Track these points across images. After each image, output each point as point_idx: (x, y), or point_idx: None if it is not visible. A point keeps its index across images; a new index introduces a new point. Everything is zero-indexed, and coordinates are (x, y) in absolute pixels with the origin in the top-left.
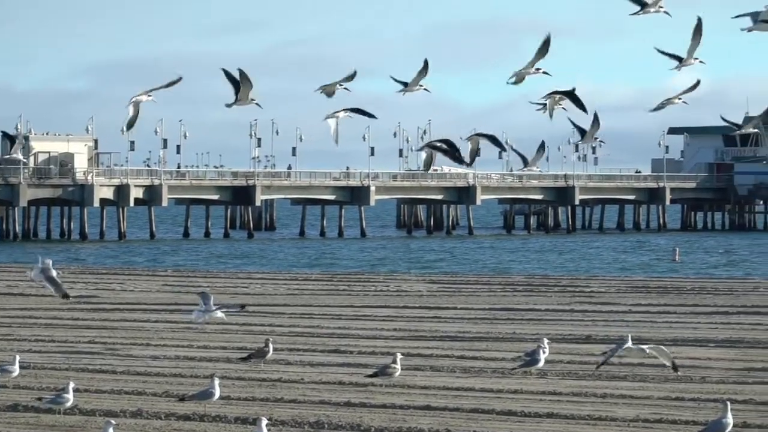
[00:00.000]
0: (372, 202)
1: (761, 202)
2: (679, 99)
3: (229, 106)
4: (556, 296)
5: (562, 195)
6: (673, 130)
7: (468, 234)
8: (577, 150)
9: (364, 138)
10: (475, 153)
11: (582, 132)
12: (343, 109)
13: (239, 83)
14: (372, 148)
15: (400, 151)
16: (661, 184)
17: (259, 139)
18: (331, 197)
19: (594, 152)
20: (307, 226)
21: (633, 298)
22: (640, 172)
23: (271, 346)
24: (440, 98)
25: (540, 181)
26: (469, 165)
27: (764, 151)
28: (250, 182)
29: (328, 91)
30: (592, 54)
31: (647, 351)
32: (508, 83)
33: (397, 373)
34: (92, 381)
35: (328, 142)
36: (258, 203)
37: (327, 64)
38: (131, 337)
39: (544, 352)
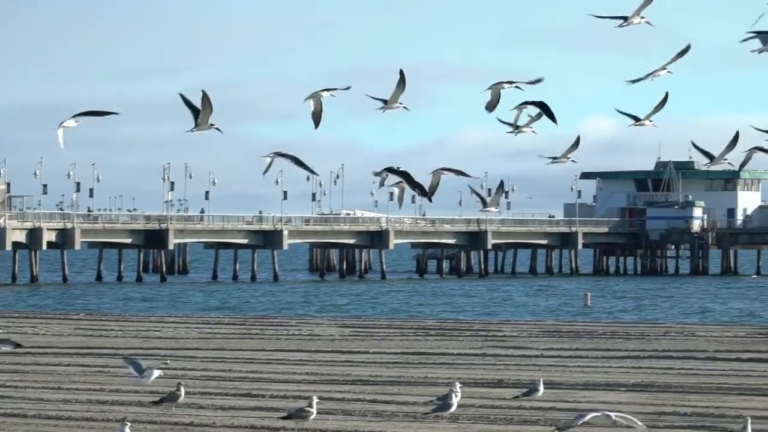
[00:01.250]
0: (285, 246)
1: (672, 247)
2: (665, 69)
3: (189, 131)
4: (468, 340)
5: (474, 239)
6: (585, 175)
7: (380, 278)
8: (489, 194)
9: (277, 182)
10: (435, 188)
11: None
12: (325, 89)
13: (198, 109)
14: (285, 192)
15: (313, 195)
16: (574, 229)
17: (173, 183)
18: (244, 241)
19: (507, 197)
20: (219, 269)
21: (545, 342)
22: (553, 216)
23: (183, 389)
24: (352, 142)
25: (452, 226)
26: (430, 200)
27: (676, 196)
28: (163, 226)
29: (316, 104)
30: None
31: (614, 418)
32: (482, 92)
33: (312, 417)
34: (3, 425)
35: (241, 185)
36: (171, 247)
37: (240, 108)
38: (42, 381)
39: (456, 396)
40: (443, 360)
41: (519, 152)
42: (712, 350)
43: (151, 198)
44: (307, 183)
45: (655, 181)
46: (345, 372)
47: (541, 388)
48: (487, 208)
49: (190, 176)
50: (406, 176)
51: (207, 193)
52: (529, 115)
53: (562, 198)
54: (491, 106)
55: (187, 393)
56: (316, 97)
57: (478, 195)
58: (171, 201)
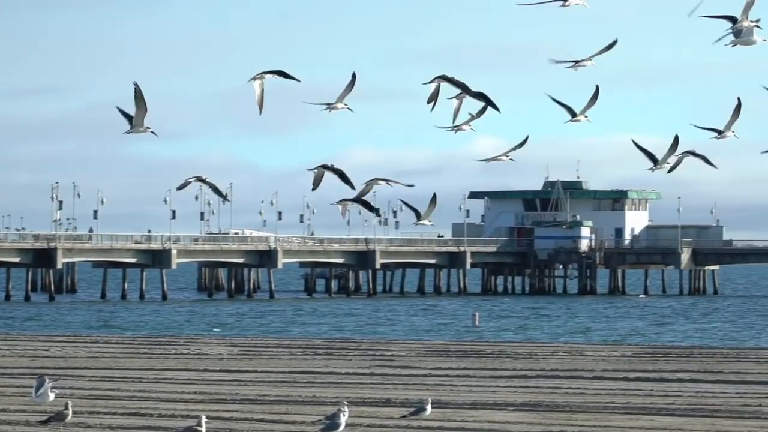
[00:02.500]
0: (173, 265)
1: (561, 267)
2: (591, 60)
3: (126, 133)
4: (356, 359)
5: (362, 259)
6: (473, 195)
7: (269, 297)
8: (378, 214)
9: (165, 201)
10: (364, 195)
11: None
12: (270, 71)
13: (131, 115)
14: (173, 212)
15: (202, 214)
16: (462, 249)
17: (61, 202)
18: (133, 260)
19: (395, 216)
20: (108, 288)
21: (433, 362)
22: (442, 236)
23: (71, 409)
24: (241, 161)
25: (341, 245)
26: (372, 209)
27: (564, 215)
28: (52, 245)
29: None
30: (392, 117)
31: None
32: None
33: None
34: None
35: (129, 205)
36: (59, 266)
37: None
38: None
39: (344, 416)
40: (331, 379)
41: (407, 171)
42: (600, 370)
43: (40, 217)
44: (195, 202)
45: (544, 200)
46: (233, 391)
47: (429, 407)
48: (421, 221)
49: (79, 195)
50: (340, 174)
51: (95, 212)
52: (469, 113)
53: (450, 217)
54: (431, 99)
55: (75, 412)
56: (258, 79)
57: (412, 208)
58: (59, 220)
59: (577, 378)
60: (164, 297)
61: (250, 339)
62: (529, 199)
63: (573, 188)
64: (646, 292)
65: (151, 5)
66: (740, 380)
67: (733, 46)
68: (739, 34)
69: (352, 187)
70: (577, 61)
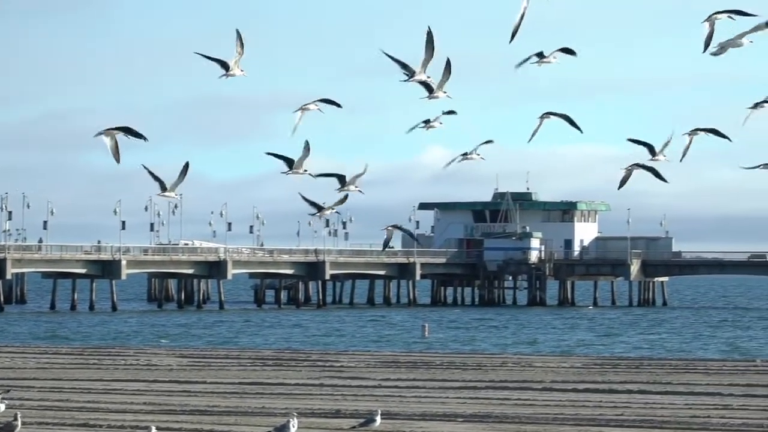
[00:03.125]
0: (123, 276)
1: (510, 278)
2: (555, 58)
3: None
4: (305, 370)
5: (312, 270)
6: (423, 206)
7: (219, 308)
8: (327, 225)
9: (115, 212)
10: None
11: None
12: (314, 102)
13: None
14: (123, 222)
15: (151, 225)
16: (411, 260)
17: (10, 213)
18: (82, 271)
19: (345, 227)
20: (58, 299)
21: (382, 373)
22: (392, 247)
23: (20, 419)
24: (191, 172)
25: (290, 256)
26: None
27: (513, 227)
28: (1, 255)
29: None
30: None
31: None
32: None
33: None
34: None
35: (79, 216)
36: (9, 276)
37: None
38: None
39: (293, 427)
40: (280, 390)
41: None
42: (549, 381)
43: None
44: (145, 213)
45: (493, 212)
46: (182, 402)
47: (378, 418)
48: (323, 213)
49: (28, 206)
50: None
51: (45, 222)
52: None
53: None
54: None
55: (24, 423)
56: (302, 110)
57: (311, 202)
58: (9, 230)
59: (526, 389)
60: (114, 308)
61: (200, 350)
62: (478, 211)
63: (522, 200)
64: (595, 304)
65: (103, 16)
66: (689, 391)
67: (719, 49)
68: (726, 46)
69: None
70: (540, 57)
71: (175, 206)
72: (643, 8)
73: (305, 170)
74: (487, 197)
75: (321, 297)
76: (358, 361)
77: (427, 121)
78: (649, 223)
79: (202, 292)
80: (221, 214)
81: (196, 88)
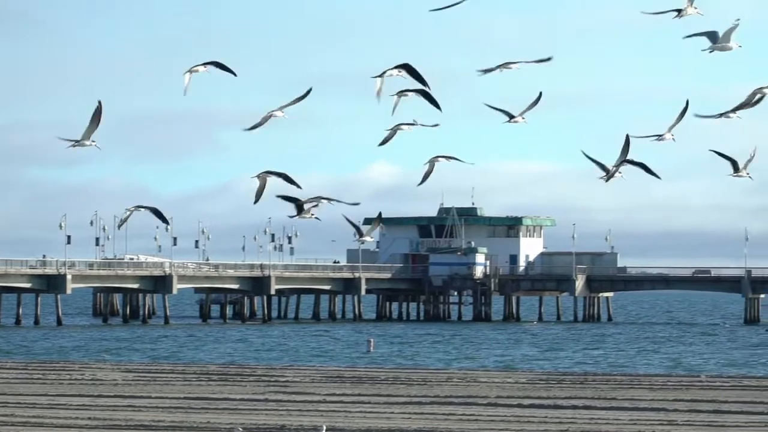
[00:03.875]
0: (68, 290)
1: (455, 293)
2: (517, 65)
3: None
4: (251, 385)
5: (258, 284)
6: (368, 221)
7: (164, 323)
8: (273, 240)
9: (60, 226)
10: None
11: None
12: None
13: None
14: (68, 237)
15: (97, 239)
16: (357, 275)
17: None
18: (27, 285)
19: (290, 242)
20: (2, 314)
21: (327, 388)
22: (338, 262)
23: None
24: (136, 186)
25: (236, 271)
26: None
27: (459, 242)
28: None
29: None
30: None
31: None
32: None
33: None
34: None
35: (24, 230)
36: None
37: (25, 152)
38: None
39: None
40: (225, 405)
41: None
42: (494, 396)
43: None
44: (91, 228)
45: (438, 227)
46: (127, 417)
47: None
48: (363, 238)
49: None
50: (285, 177)
51: None
52: (413, 119)
53: (345, 244)
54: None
55: None
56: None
57: (354, 225)
58: None
59: (471, 404)
60: (59, 322)
61: (145, 364)
62: (423, 226)
63: (468, 215)
64: (540, 319)
65: (42, 29)
66: (633, 407)
67: (710, 52)
68: (716, 41)
69: (298, 186)
70: (505, 64)
71: (122, 220)
72: (591, 24)
73: (312, 215)
74: (433, 212)
75: (266, 312)
76: (303, 376)
77: (392, 133)
78: (594, 239)
79: (147, 306)
80: (166, 229)
81: (140, 102)
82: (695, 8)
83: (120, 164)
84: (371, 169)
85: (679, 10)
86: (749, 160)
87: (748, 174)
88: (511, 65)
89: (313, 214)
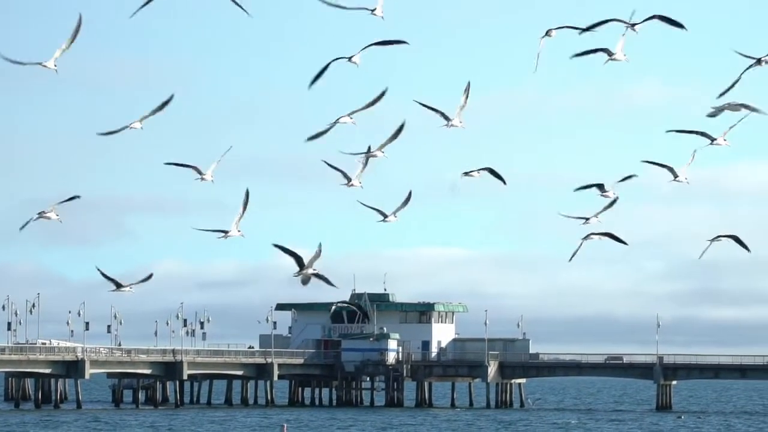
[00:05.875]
0: None
1: (368, 379)
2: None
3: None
4: None
5: (170, 370)
6: (280, 306)
7: (76, 407)
8: (185, 325)
9: None
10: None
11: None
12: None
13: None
14: None
15: (9, 324)
16: (269, 360)
17: None
18: None
19: (202, 327)
20: None
21: None
22: (252, 347)
23: None
24: (48, 271)
25: (148, 356)
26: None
27: (371, 328)
28: None
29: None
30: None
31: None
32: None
33: None
34: None
35: None
36: None
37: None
38: None
39: None
40: None
41: (215, 283)
42: None
43: None
44: (2, 312)
45: (350, 313)
46: None
47: None
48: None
49: None
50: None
51: None
52: (369, 146)
53: (257, 329)
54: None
55: None
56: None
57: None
58: None
59: None
60: None
61: None
62: (336, 312)
63: (380, 300)
64: (452, 405)
65: None
66: None
67: (717, 113)
68: (721, 111)
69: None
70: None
71: (33, 305)
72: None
73: (315, 270)
74: (345, 298)
75: (179, 397)
76: None
77: (368, 151)
78: (505, 325)
79: (59, 391)
80: (79, 314)
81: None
82: (624, 55)
83: (29, 249)
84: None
85: (608, 52)
86: (608, 205)
87: (686, 179)
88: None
89: (315, 270)
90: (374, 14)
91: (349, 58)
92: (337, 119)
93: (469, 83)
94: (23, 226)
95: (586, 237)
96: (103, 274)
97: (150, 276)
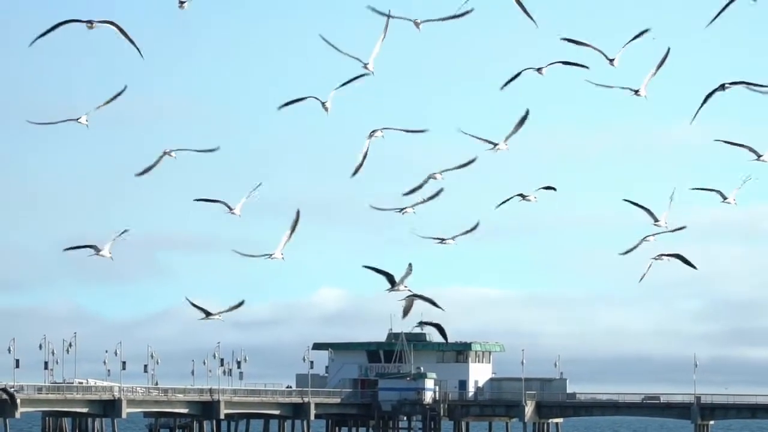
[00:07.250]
0: (17, 415)
1: (405, 418)
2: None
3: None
4: None
5: (207, 409)
6: (317, 346)
7: None
8: (222, 364)
9: (9, 350)
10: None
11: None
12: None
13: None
14: (17, 360)
15: (45, 363)
16: (306, 399)
17: None
18: None
19: (239, 367)
20: None
21: None
22: (290, 387)
23: None
24: (84, 310)
25: (185, 395)
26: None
27: (408, 367)
28: None
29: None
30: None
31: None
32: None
33: None
34: None
35: None
36: None
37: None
38: None
39: None
40: None
41: (252, 323)
42: None
43: None
44: (39, 351)
45: (387, 352)
46: None
47: None
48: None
49: None
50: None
51: None
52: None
53: (294, 368)
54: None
55: None
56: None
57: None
58: None
59: None
60: None
61: None
62: (372, 351)
63: (417, 340)
64: None
65: None
66: None
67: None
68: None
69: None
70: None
71: (70, 345)
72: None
73: (406, 287)
74: (382, 337)
75: None
76: None
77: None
78: (542, 364)
79: (96, 431)
80: (116, 353)
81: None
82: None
83: (66, 288)
84: (319, 294)
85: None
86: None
87: (666, 224)
88: (436, 176)
89: (406, 286)
90: (366, 68)
91: (324, 104)
92: (430, 175)
93: (527, 111)
94: (71, 248)
95: (657, 257)
96: (193, 304)
97: (242, 303)
